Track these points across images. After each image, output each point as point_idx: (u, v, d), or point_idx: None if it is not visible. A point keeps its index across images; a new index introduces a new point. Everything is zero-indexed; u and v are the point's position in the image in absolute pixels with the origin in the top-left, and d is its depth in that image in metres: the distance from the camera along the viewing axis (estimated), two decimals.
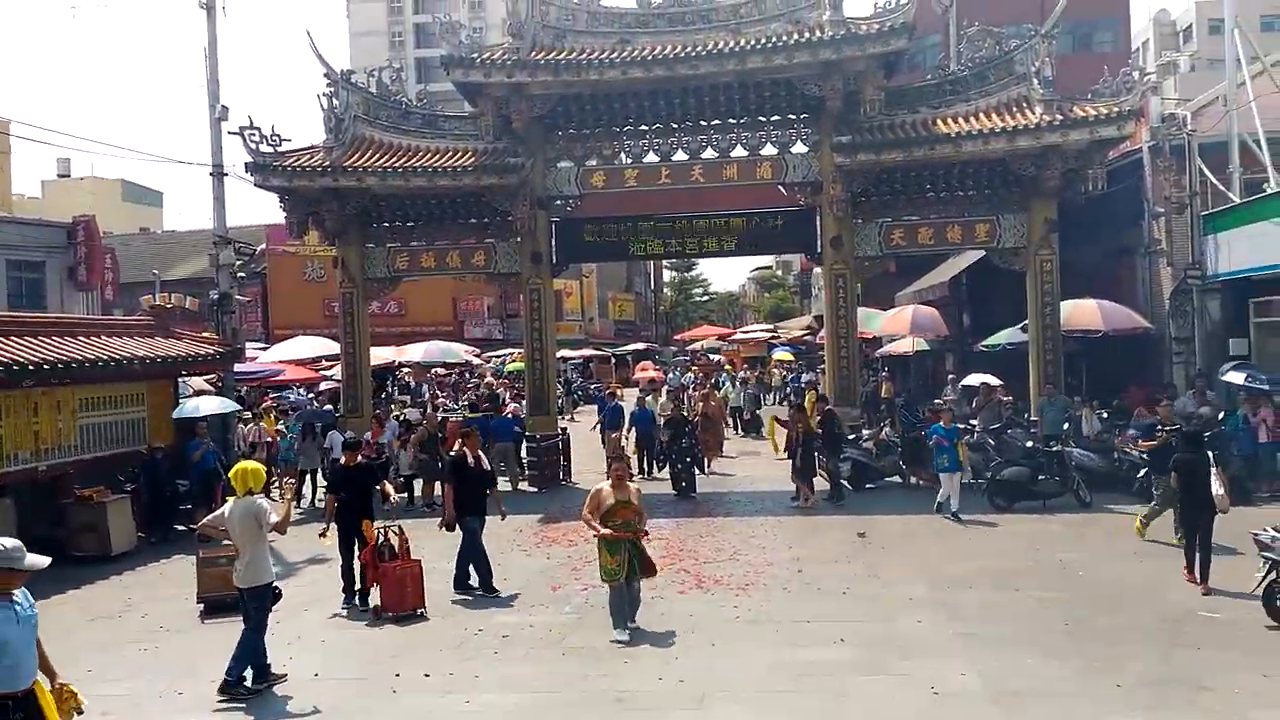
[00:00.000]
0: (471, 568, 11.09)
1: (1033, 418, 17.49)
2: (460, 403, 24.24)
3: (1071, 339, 18.49)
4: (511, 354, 37.79)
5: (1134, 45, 42.63)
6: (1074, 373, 18.56)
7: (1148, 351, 19.54)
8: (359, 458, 11.48)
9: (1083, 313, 18.35)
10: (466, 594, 10.98)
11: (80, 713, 5.69)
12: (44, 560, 5.48)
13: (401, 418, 19.93)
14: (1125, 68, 17.22)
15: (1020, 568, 11.34)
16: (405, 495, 16.97)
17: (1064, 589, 10.32)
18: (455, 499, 11.04)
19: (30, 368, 12.95)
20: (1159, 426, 13.38)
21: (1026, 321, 18.25)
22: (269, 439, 19.03)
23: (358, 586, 10.72)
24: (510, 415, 19.72)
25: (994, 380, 19.32)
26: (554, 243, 19.31)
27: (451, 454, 11.69)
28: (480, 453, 11.58)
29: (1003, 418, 18.05)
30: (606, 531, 9.18)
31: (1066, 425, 16.64)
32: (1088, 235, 20.12)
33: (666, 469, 18.32)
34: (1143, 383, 18.92)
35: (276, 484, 17.45)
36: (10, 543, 5.38)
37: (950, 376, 23.32)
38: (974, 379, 20.37)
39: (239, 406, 17.80)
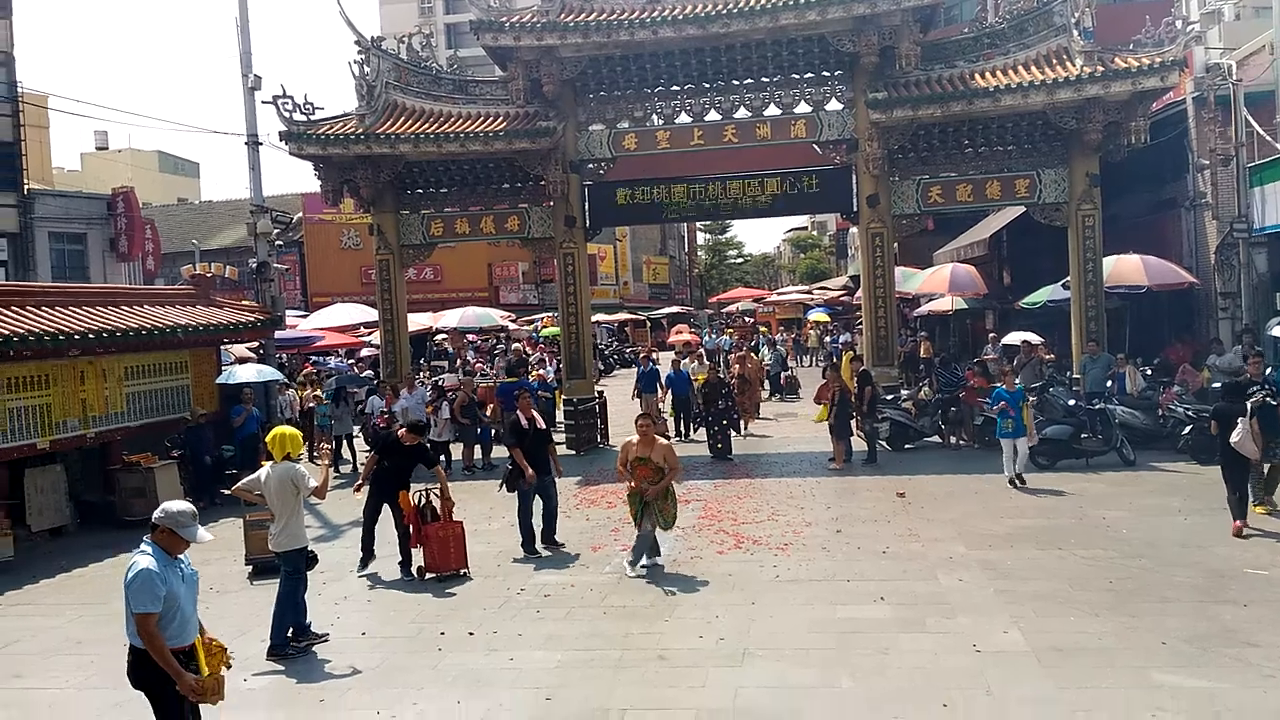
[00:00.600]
0: (540, 519, 11.29)
1: (1075, 375, 17.29)
2: (493, 369, 24.32)
3: (1114, 295, 18.20)
4: (543, 318, 37.88)
5: None
6: (1117, 329, 18.28)
7: (1192, 307, 19.22)
8: (415, 440, 10.90)
9: (1126, 268, 18.04)
10: (533, 553, 11.10)
11: (229, 666, 5.83)
12: (207, 535, 5.61)
13: (437, 382, 20.03)
14: (1168, 17, 16.76)
15: (1063, 526, 11.26)
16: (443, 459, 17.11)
17: (1107, 547, 10.24)
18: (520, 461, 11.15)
19: (76, 337, 13.19)
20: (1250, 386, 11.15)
21: (1068, 278, 17.98)
22: (310, 405, 19.26)
23: (402, 556, 10.66)
24: (535, 380, 19.74)
25: (1035, 338, 19.10)
26: (587, 206, 19.25)
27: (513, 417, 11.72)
28: (535, 413, 11.69)
29: (1043, 376, 17.85)
30: (633, 485, 10.12)
31: (1110, 382, 16.43)
32: (1130, 189, 19.75)
33: (703, 431, 18.36)
34: (1187, 339, 18.62)
35: (314, 451, 17.70)
36: (181, 507, 5.57)
37: (990, 335, 23.06)
38: (1014, 337, 20.15)
39: (277, 375, 17.81)
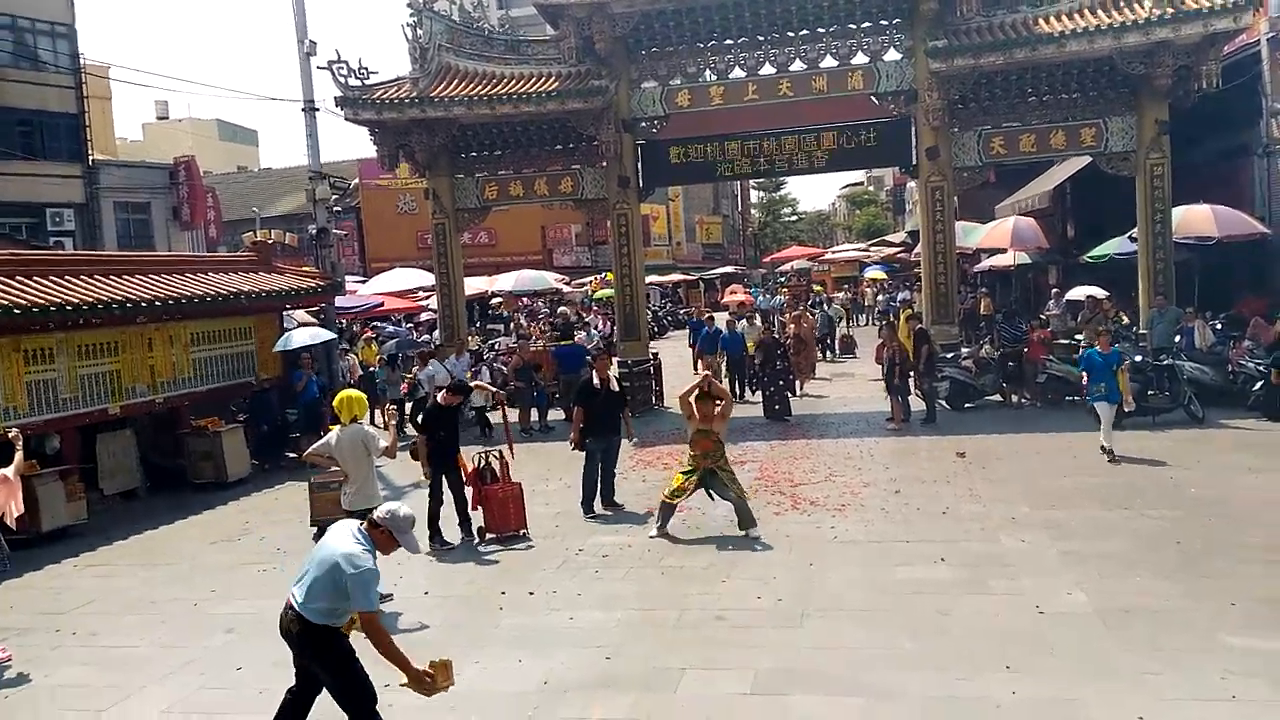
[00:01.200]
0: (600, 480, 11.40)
1: (1141, 331, 16.85)
2: (536, 332, 24.40)
3: (1183, 247, 17.66)
4: (593, 280, 37.80)
5: None
6: (1186, 282, 17.74)
7: (1265, 258, 18.57)
8: (453, 400, 10.86)
9: (1195, 218, 17.46)
10: (592, 513, 11.20)
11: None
12: (423, 547, 5.56)
13: (480, 349, 20.08)
14: None
15: (1129, 485, 11.04)
16: (481, 427, 17.11)
17: (1175, 507, 10.02)
18: (585, 421, 11.22)
19: (144, 304, 13.49)
20: None
21: (1134, 230, 17.47)
22: (368, 368, 19.49)
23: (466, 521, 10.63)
24: (577, 344, 19.69)
25: (1100, 293, 18.63)
26: (640, 166, 19.12)
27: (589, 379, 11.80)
28: (610, 374, 11.72)
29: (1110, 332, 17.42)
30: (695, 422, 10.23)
31: (1178, 337, 15.99)
32: (1200, 136, 19.06)
33: (759, 392, 18.26)
34: (1260, 292, 18.01)
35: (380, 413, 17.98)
36: (406, 512, 5.51)
37: (1054, 290, 22.55)
38: (1078, 292, 19.69)
39: (331, 335, 17.78)
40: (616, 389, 11.68)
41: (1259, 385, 14.25)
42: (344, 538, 5.42)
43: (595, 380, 11.47)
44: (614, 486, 11.58)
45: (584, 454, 11.37)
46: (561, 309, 26.55)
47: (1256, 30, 17.53)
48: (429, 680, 5.29)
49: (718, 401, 10.43)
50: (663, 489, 10.54)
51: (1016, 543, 9.16)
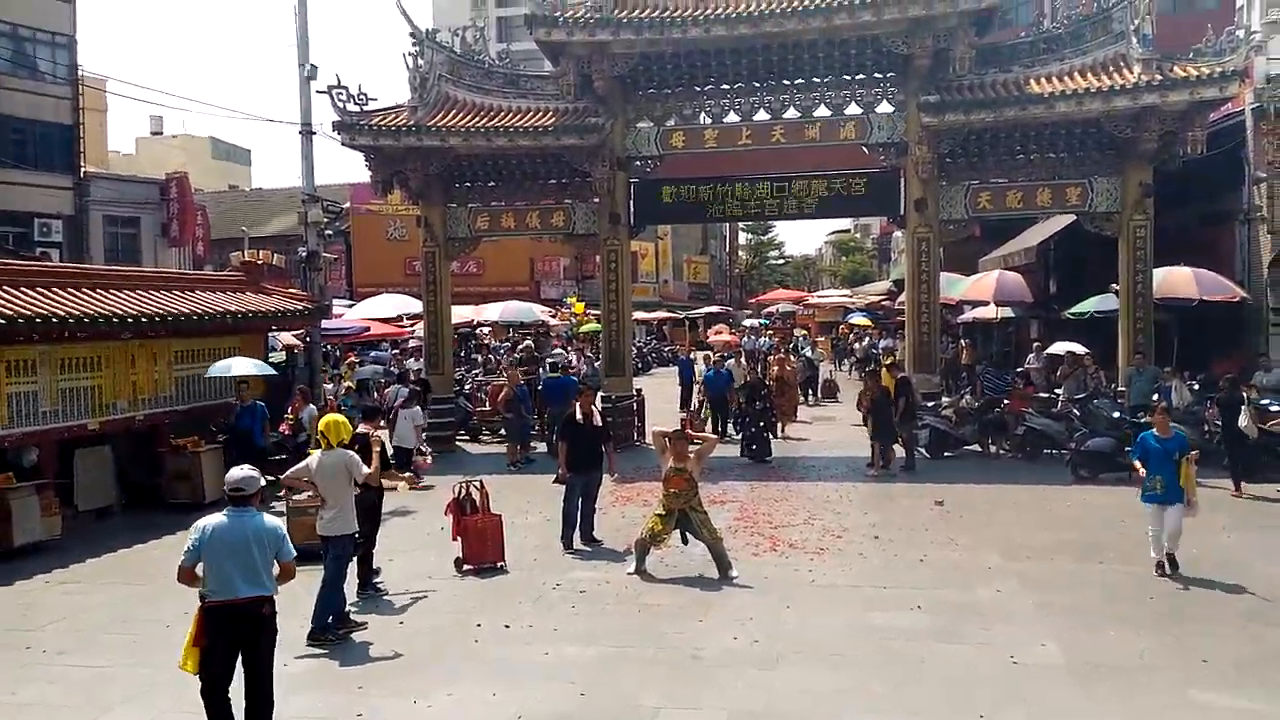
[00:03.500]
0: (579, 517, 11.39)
1: (1120, 387, 17.04)
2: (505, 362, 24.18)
3: (1162, 308, 17.91)
4: (569, 302, 37.55)
5: (1238, 1, 40.59)
6: (1164, 342, 17.99)
7: (1242, 322, 18.83)
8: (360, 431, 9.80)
9: (1176, 280, 17.73)
10: (572, 548, 11.19)
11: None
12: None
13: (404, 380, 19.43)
14: (1229, 25, 16.45)
15: (1103, 540, 11.13)
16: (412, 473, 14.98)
17: (1149, 563, 10.08)
18: (568, 456, 11.25)
19: (129, 320, 13.45)
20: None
21: (1115, 285, 17.72)
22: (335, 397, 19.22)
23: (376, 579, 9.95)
24: (566, 376, 19.62)
25: (1081, 349, 18.84)
26: (632, 204, 19.28)
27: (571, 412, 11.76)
28: (594, 409, 11.77)
29: (1088, 387, 17.61)
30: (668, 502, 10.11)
31: (1155, 396, 16.17)
32: (1184, 200, 19.39)
33: (739, 432, 18.31)
34: (1234, 354, 18.27)
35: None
36: (237, 474, 6.30)
37: (1035, 344, 22.79)
38: (1059, 347, 19.90)
39: (274, 371, 16.56)
40: (599, 424, 11.72)
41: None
42: (247, 520, 6.09)
43: (579, 414, 11.51)
44: (594, 522, 11.59)
45: (564, 487, 11.39)
46: (526, 343, 26.41)
47: (1242, 100, 17.93)
48: None
49: (694, 442, 10.51)
50: (641, 529, 10.55)
51: (991, 592, 9.22)
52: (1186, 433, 11.35)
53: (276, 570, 6.18)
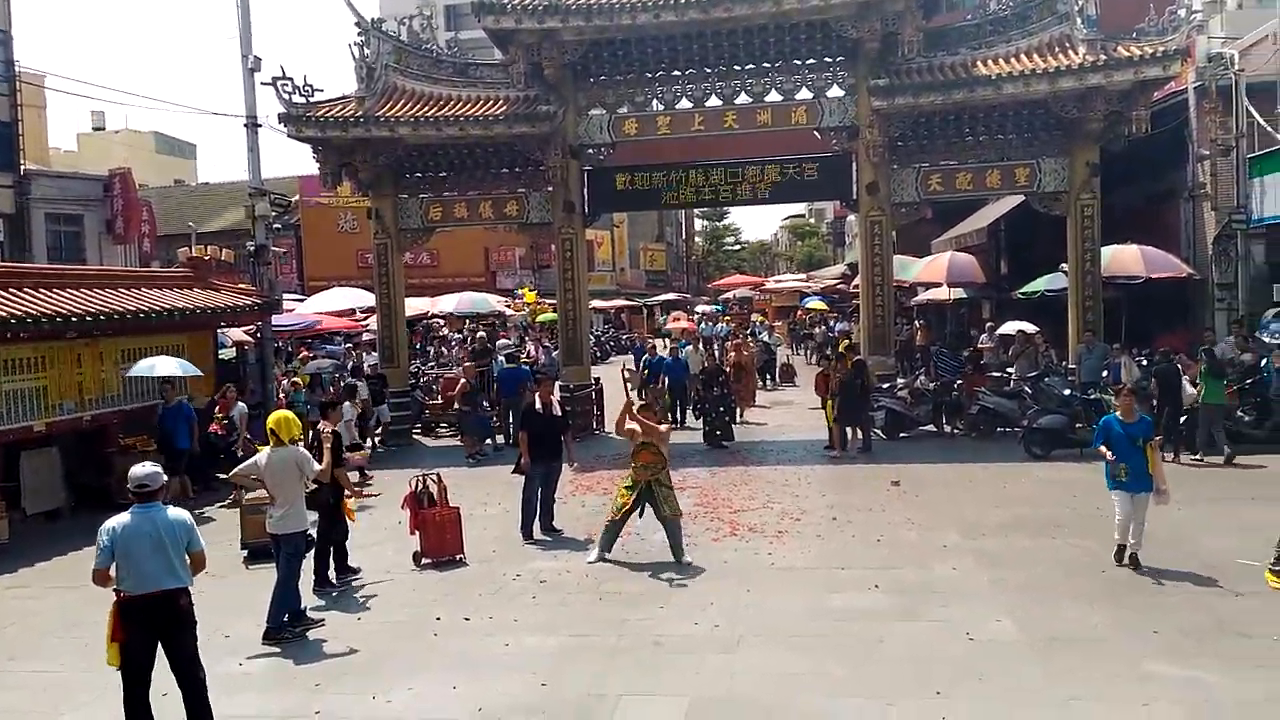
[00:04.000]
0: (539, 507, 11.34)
1: (1070, 365, 17.30)
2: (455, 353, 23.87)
3: (1111, 285, 18.20)
4: (521, 294, 37.12)
5: None
6: (1113, 319, 18.29)
7: (1189, 298, 19.22)
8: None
9: (1124, 258, 18.04)
10: (531, 539, 11.14)
11: None
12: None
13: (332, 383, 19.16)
14: (1171, 5, 16.72)
15: (1056, 516, 11.30)
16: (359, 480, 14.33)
17: (1101, 537, 10.24)
18: (528, 445, 11.16)
19: (74, 319, 13.16)
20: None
21: (1065, 265, 17.98)
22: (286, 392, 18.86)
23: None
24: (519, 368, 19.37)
25: (1031, 328, 19.11)
26: (586, 192, 19.21)
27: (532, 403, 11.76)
28: (553, 399, 11.68)
29: (1039, 365, 17.87)
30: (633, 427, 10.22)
31: (1105, 373, 16.45)
32: (1130, 179, 19.71)
33: (699, 419, 18.35)
34: (1181, 329, 18.63)
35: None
36: (139, 470, 6.37)
37: (987, 324, 23.08)
38: (1011, 326, 20.16)
39: (199, 372, 15.57)
40: (559, 413, 11.67)
41: (1183, 420, 14.70)
42: (155, 515, 6.19)
43: (538, 404, 11.45)
44: (554, 512, 11.55)
45: (523, 478, 11.34)
46: (480, 333, 26.18)
47: (1185, 79, 18.24)
48: None
49: (654, 412, 10.61)
50: (609, 509, 10.52)
51: (948, 570, 9.32)
52: (1147, 416, 11.39)
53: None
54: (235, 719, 6.69)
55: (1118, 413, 9.70)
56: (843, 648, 7.45)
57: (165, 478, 6.54)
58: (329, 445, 9.24)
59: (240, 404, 15.21)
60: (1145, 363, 17.12)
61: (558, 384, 16.13)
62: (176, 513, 6.32)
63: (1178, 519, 10.93)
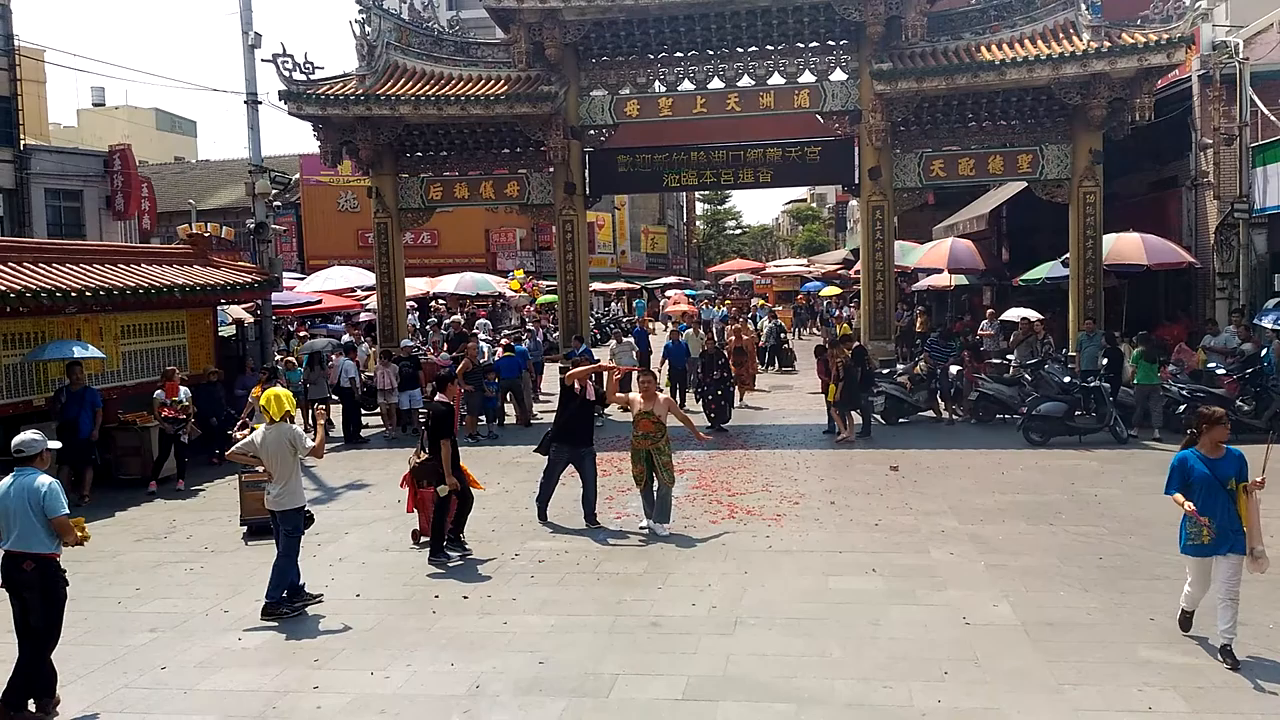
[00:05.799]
0: (581, 497, 11.04)
1: (1071, 353, 17.31)
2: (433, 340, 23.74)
3: (1112, 273, 18.18)
4: (512, 274, 36.94)
5: None
6: (1114, 308, 18.28)
7: (1190, 287, 19.21)
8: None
9: (1125, 246, 18.01)
10: (546, 522, 10.99)
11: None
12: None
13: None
14: None
15: (1055, 502, 11.32)
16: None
17: (1099, 523, 10.30)
18: (555, 428, 11.10)
19: (73, 294, 13.13)
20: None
21: (1067, 255, 17.95)
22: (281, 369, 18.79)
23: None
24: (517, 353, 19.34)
25: (1033, 315, 19.10)
26: (587, 173, 19.17)
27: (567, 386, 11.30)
28: (588, 382, 11.28)
29: (1039, 352, 17.88)
30: (622, 398, 11.19)
31: (1105, 360, 16.45)
32: (1132, 166, 19.67)
33: (699, 402, 18.35)
34: (1182, 318, 18.62)
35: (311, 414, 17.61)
36: (23, 436, 6.64)
37: (989, 311, 23.08)
38: (1012, 313, 20.16)
39: (102, 355, 14.29)
40: (592, 397, 11.33)
41: (1182, 408, 14.71)
42: (24, 479, 6.41)
43: (575, 386, 11.03)
44: (595, 503, 11.04)
45: (546, 459, 11.09)
46: (455, 318, 26.06)
47: (1188, 67, 18.17)
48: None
49: (643, 380, 10.82)
50: (634, 483, 10.84)
51: (946, 555, 9.35)
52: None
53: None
54: (233, 693, 6.71)
55: (1199, 446, 6.93)
56: (840, 630, 7.48)
57: (47, 444, 6.71)
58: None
59: (184, 389, 14.53)
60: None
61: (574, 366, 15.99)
62: (39, 479, 6.49)
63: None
